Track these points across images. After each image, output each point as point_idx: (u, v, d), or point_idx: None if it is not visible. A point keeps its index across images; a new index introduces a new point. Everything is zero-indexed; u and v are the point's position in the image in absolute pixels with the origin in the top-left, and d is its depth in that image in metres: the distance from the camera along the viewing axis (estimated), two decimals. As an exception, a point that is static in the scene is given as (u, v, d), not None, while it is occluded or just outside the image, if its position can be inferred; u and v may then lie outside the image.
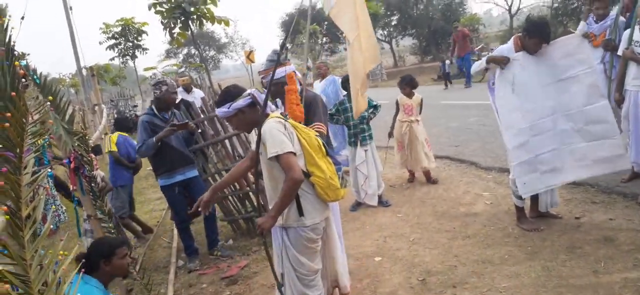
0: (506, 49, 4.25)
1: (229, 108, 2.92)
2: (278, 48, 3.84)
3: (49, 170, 3.58)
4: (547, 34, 4.09)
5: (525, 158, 4.14)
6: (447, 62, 17.80)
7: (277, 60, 2.96)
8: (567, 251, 3.87)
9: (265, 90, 2.97)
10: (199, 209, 3.14)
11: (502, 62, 4.16)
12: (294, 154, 2.79)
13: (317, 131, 3.51)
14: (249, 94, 2.94)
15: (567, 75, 4.09)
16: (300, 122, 3.19)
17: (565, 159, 4.18)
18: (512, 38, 4.33)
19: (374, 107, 5.73)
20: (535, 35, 4.08)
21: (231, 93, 2.97)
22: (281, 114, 3.05)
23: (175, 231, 5.91)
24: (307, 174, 2.87)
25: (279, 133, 2.78)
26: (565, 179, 4.29)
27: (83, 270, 2.77)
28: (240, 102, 2.91)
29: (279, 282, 3.07)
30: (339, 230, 3.77)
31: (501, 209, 5.01)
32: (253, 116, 2.95)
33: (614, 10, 5.54)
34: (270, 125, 2.82)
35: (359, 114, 4.86)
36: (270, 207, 2.95)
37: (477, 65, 4.54)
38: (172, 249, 5.52)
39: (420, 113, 6.31)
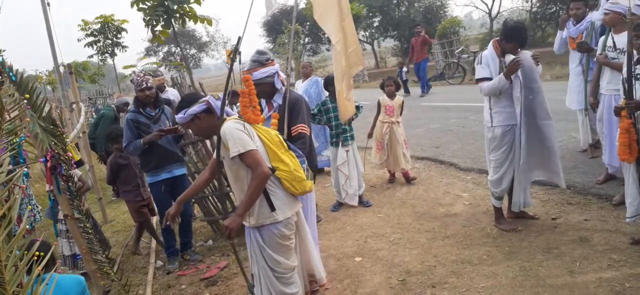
0: (490, 54, 4.26)
1: (184, 114, 2.96)
2: (261, 48, 3.84)
3: (25, 169, 3.51)
4: (523, 39, 4.16)
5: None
6: (404, 69, 16.56)
7: (231, 66, 2.96)
8: (544, 251, 3.94)
9: (221, 97, 2.99)
10: (168, 222, 3.16)
11: (519, 64, 4.04)
12: (257, 150, 2.81)
13: (300, 132, 3.52)
14: (205, 100, 2.97)
15: (531, 85, 4.17)
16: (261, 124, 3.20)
17: (531, 158, 4.32)
18: (491, 42, 4.37)
19: (356, 108, 5.76)
20: (513, 39, 4.15)
21: (188, 100, 3.02)
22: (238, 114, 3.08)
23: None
24: (272, 169, 2.89)
25: (238, 132, 2.80)
26: (531, 177, 4.48)
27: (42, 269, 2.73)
28: (195, 108, 2.95)
29: (250, 283, 3.09)
30: (313, 230, 3.80)
31: (480, 210, 5.08)
32: (209, 122, 2.99)
33: (591, 15, 5.67)
34: (228, 125, 2.83)
35: (346, 119, 4.87)
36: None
37: (496, 84, 4.15)
38: (150, 250, 5.46)
39: (400, 114, 6.37)
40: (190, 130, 5.22)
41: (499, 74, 4.17)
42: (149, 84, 4.70)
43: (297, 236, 3.23)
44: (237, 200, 3.07)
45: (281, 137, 3.07)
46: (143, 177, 5.30)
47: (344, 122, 5.42)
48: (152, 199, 5.32)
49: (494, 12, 29.13)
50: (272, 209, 2.91)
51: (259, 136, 2.93)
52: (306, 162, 3.14)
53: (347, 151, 5.72)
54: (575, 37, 5.84)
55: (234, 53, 2.95)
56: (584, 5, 5.78)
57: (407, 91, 15.97)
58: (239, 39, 2.95)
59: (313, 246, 3.41)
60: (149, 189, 5.36)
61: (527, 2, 29.37)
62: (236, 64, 2.96)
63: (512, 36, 4.15)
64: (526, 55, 4.14)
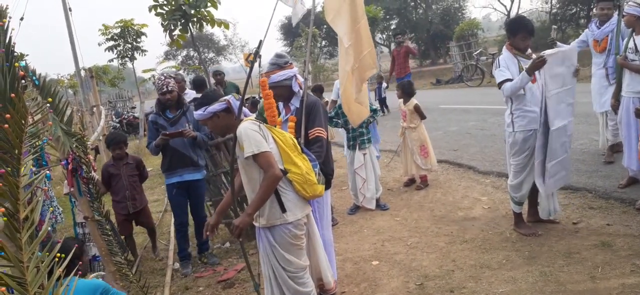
0: (507, 57, 4.20)
1: (204, 111, 3.03)
2: (280, 51, 3.86)
3: (47, 171, 3.57)
4: (528, 26, 4.15)
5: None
6: (384, 85, 14.16)
7: (250, 68, 3.00)
8: (565, 256, 3.87)
9: (240, 98, 3.05)
10: (207, 233, 3.21)
11: (542, 62, 3.92)
12: (271, 152, 2.87)
13: (317, 135, 3.53)
14: (225, 100, 3.05)
15: (558, 89, 4.11)
16: (276, 126, 3.23)
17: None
18: (504, 47, 4.33)
19: (373, 111, 5.75)
20: (519, 30, 4.12)
21: (208, 97, 3.09)
22: (255, 118, 3.13)
23: (172, 233, 5.91)
24: (285, 171, 2.94)
25: (254, 133, 2.86)
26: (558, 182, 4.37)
27: (80, 272, 2.77)
28: (216, 106, 3.02)
29: (256, 282, 3.14)
30: (328, 233, 3.79)
31: (499, 214, 5.02)
32: (227, 121, 3.06)
33: (616, 16, 5.56)
34: (245, 126, 2.89)
35: (357, 123, 4.87)
36: None
37: (518, 83, 4.02)
38: (168, 252, 5.50)
39: (421, 119, 6.29)
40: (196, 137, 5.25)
41: (520, 74, 4.11)
42: (169, 88, 4.73)
43: (307, 239, 3.24)
44: (249, 198, 3.12)
45: (295, 140, 3.10)
46: (133, 190, 5.16)
47: (355, 126, 5.39)
48: (149, 210, 5.47)
49: (513, 14, 28.79)
50: (283, 210, 2.96)
51: (273, 138, 2.98)
52: (318, 166, 3.16)
53: (364, 154, 5.72)
54: (599, 40, 5.72)
55: (255, 56, 2.99)
56: (613, 5, 5.63)
57: (384, 109, 14.08)
58: (260, 42, 2.99)
59: (323, 250, 3.41)
60: (143, 198, 5.32)
61: (546, 3, 29.01)
62: (255, 67, 2.99)
63: (517, 28, 4.13)
64: (555, 51, 4.07)
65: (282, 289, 3.12)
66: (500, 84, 4.20)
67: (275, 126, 3.20)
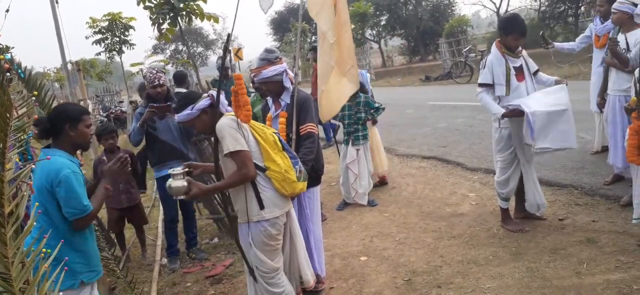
0: (494, 58, 4.21)
1: (192, 110, 3.00)
2: (270, 47, 3.83)
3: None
4: (521, 26, 4.18)
5: None
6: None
7: (222, 66, 2.96)
8: (551, 252, 3.91)
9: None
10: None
11: (516, 114, 4.08)
12: (248, 152, 2.86)
13: (309, 131, 3.52)
14: (208, 95, 3.04)
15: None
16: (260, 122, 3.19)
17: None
18: (494, 44, 4.34)
19: (375, 110, 5.77)
20: (512, 30, 4.15)
21: (191, 97, 3.09)
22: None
23: (160, 228, 5.87)
24: (264, 169, 2.93)
25: (232, 130, 2.85)
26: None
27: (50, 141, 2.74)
28: (202, 103, 3.00)
29: (250, 266, 3.13)
30: (318, 228, 3.77)
31: (486, 210, 5.06)
32: (213, 117, 3.02)
33: None
34: (223, 122, 2.88)
35: (326, 119, 4.74)
36: (233, 204, 3.09)
37: (492, 110, 4.24)
38: (156, 247, 5.47)
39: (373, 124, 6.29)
40: None
41: (506, 74, 4.15)
42: (161, 81, 4.76)
43: (287, 237, 3.21)
44: (232, 196, 3.11)
45: (276, 137, 3.07)
46: (127, 183, 5.03)
47: (324, 121, 5.29)
48: (142, 205, 5.34)
49: (502, 11, 28.99)
50: (261, 207, 2.95)
51: (253, 135, 2.95)
52: (299, 163, 3.12)
53: (357, 150, 5.73)
54: (600, 35, 5.62)
55: (224, 52, 2.99)
56: (608, 1, 5.60)
57: (329, 140, 9.30)
58: (229, 36, 2.98)
59: (303, 249, 3.35)
60: (136, 192, 5.19)
61: (535, 1, 29.23)
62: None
63: (511, 27, 4.17)
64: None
65: (259, 287, 3.13)
66: (480, 85, 4.30)
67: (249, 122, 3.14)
